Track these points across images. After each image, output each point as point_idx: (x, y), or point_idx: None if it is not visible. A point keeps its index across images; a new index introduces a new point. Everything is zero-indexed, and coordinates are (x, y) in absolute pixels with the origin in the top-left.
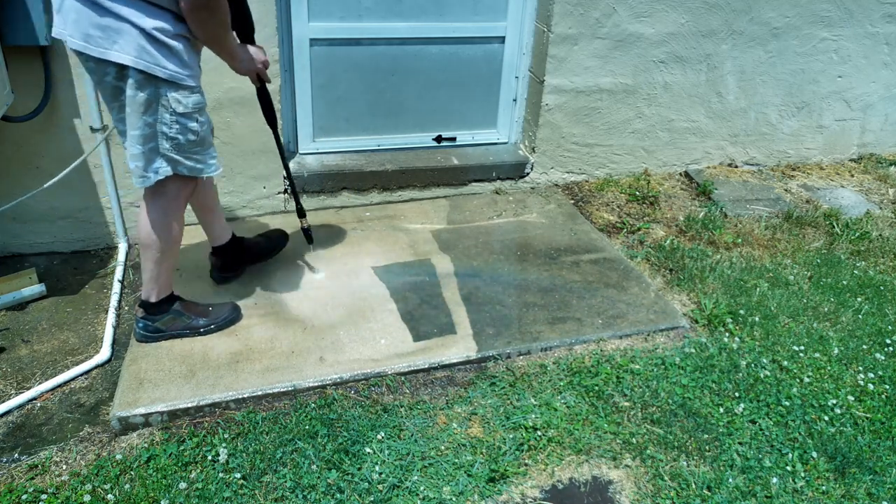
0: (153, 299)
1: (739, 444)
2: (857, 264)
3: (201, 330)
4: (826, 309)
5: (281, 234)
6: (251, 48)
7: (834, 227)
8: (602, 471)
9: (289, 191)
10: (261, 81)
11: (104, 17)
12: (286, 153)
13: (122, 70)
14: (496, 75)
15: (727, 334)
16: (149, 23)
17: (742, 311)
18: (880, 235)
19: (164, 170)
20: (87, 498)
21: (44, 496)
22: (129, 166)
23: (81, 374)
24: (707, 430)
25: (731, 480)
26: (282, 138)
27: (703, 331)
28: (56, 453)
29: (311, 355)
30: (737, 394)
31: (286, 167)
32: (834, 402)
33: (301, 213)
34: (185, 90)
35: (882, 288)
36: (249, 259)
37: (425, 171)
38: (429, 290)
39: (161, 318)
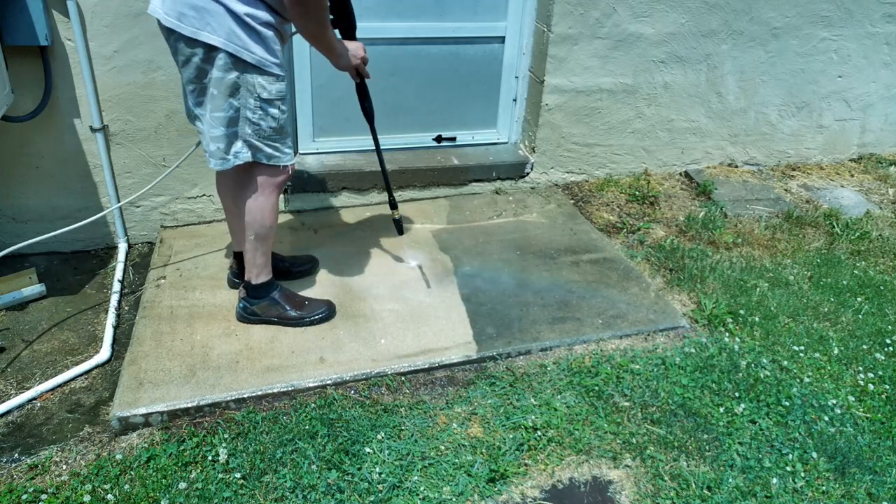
0: (253, 281)
1: (739, 444)
2: (857, 264)
3: (293, 322)
4: (826, 309)
5: (310, 258)
6: (350, 44)
7: (834, 227)
8: (602, 471)
9: (287, 190)
10: (360, 77)
11: None
12: (393, 199)
13: (210, 51)
14: (496, 75)
15: (727, 334)
16: (241, 8)
17: (742, 311)
18: (880, 235)
19: (244, 155)
20: (87, 498)
21: (44, 496)
22: (209, 148)
23: (81, 374)
24: (707, 430)
25: (731, 480)
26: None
27: (703, 331)
28: (56, 453)
29: (311, 355)
30: (737, 394)
31: (381, 161)
32: (834, 402)
33: (393, 205)
34: (270, 77)
35: (882, 288)
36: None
37: (425, 171)
38: (429, 291)
39: (258, 302)
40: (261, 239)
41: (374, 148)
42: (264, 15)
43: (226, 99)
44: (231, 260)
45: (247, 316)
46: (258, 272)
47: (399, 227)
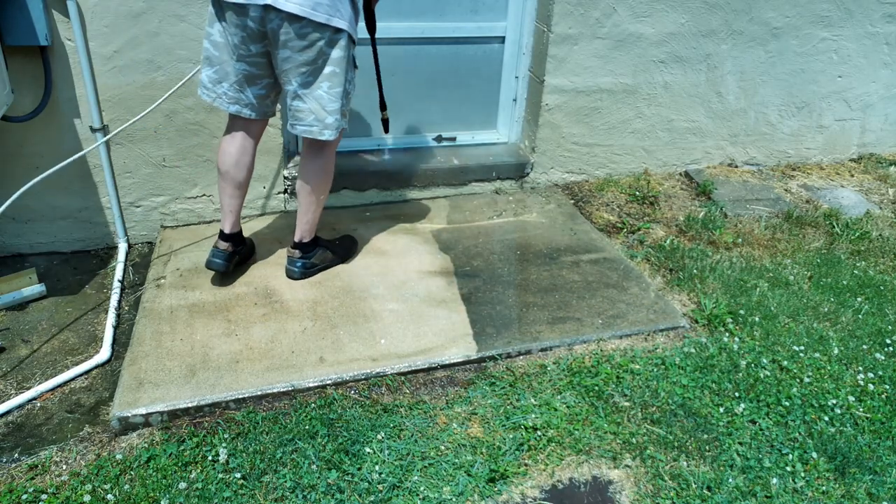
0: (307, 239)
1: (739, 444)
2: (857, 264)
3: (341, 258)
4: (826, 309)
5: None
6: None
7: (834, 227)
8: (602, 471)
9: (287, 190)
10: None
11: None
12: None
13: (335, 34)
14: (496, 75)
15: (727, 334)
16: None
17: (742, 311)
18: (880, 235)
19: (342, 121)
20: (87, 498)
21: (44, 496)
22: (326, 121)
23: (81, 374)
24: (707, 430)
25: (731, 480)
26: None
27: (703, 331)
28: (56, 453)
29: (311, 355)
30: (737, 394)
31: (377, 63)
32: (834, 402)
33: (383, 106)
34: (354, 48)
35: (882, 288)
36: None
37: (425, 171)
38: (429, 291)
39: (315, 253)
40: (325, 196)
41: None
42: None
43: (344, 74)
44: (225, 244)
45: (308, 270)
46: (314, 229)
47: (385, 125)
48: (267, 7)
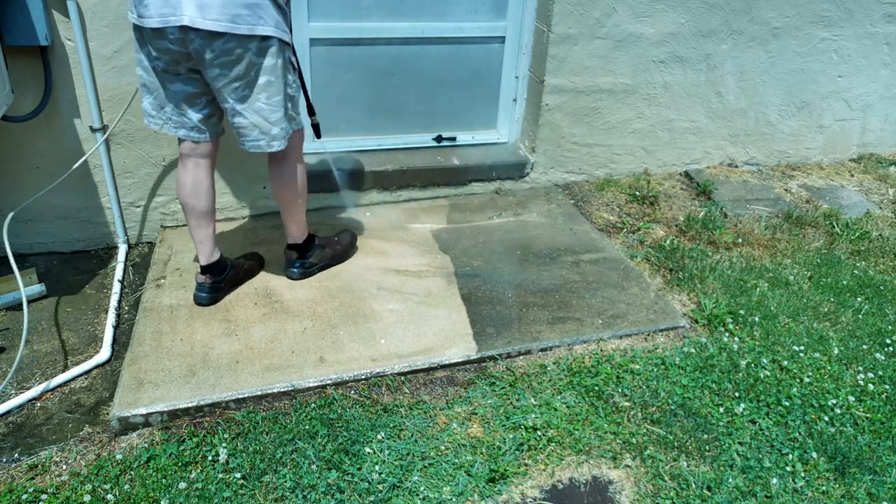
0: (301, 240)
1: (739, 444)
2: (857, 264)
3: (342, 255)
4: (826, 309)
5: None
6: None
7: (834, 227)
8: (602, 471)
9: None
10: None
11: None
12: (311, 105)
13: (263, 42)
14: (496, 75)
15: (727, 334)
16: None
17: (742, 311)
18: (880, 235)
19: (289, 127)
20: (87, 498)
21: (44, 496)
22: (271, 132)
23: (81, 374)
24: (707, 430)
25: (731, 480)
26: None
27: (703, 331)
28: (56, 453)
29: (311, 355)
30: (737, 394)
31: (299, 70)
32: (834, 402)
33: (311, 111)
34: (290, 49)
35: (882, 288)
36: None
37: (425, 171)
38: (429, 291)
39: (313, 252)
40: (304, 199)
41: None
42: None
43: (281, 81)
44: (204, 277)
45: (307, 271)
46: (304, 229)
47: (316, 130)
48: (184, 27)
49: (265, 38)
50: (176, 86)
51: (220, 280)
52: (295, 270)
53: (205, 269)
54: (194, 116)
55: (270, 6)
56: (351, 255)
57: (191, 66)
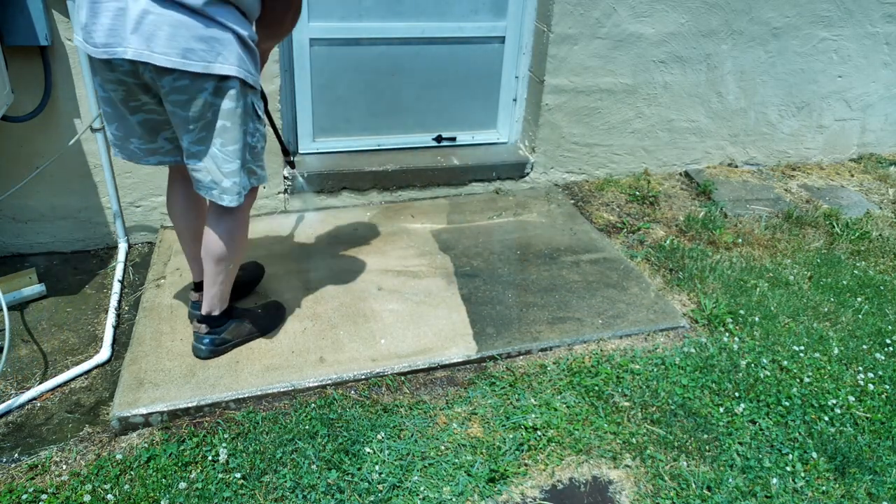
0: (217, 312)
1: (739, 444)
2: (857, 264)
3: (262, 331)
4: (826, 309)
5: (256, 265)
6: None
7: (834, 227)
8: (602, 471)
9: (287, 190)
10: None
11: (210, 28)
12: (286, 146)
13: (221, 82)
14: (496, 75)
15: (727, 334)
16: (245, 31)
17: (742, 311)
18: (880, 235)
19: (246, 183)
20: (87, 498)
21: (44, 496)
22: (222, 184)
23: (81, 374)
24: (707, 430)
25: (731, 480)
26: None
27: (703, 331)
28: (56, 453)
29: (311, 355)
30: (737, 394)
31: (267, 111)
32: (834, 402)
33: (285, 152)
34: (257, 93)
35: (882, 288)
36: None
37: (425, 171)
38: (429, 291)
39: (227, 327)
40: (237, 264)
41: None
42: (254, 33)
43: (239, 128)
44: (197, 294)
45: (216, 348)
46: (225, 300)
47: (292, 165)
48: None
49: (224, 78)
50: (138, 116)
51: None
52: (203, 347)
53: (197, 286)
54: (165, 141)
55: (233, 41)
56: (275, 328)
57: (151, 97)
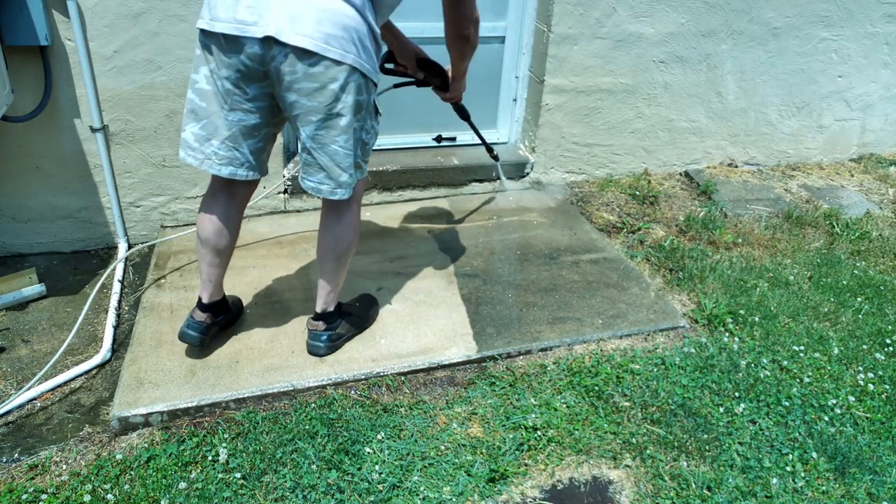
0: (331, 308)
1: (739, 444)
2: (857, 264)
3: (364, 326)
4: (826, 309)
5: (238, 302)
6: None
7: (834, 227)
8: (602, 471)
9: (287, 190)
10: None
11: (353, 17)
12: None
13: (351, 74)
14: (496, 75)
15: (727, 334)
16: (374, 24)
17: (742, 311)
18: (880, 235)
19: (357, 175)
20: (87, 498)
21: (44, 496)
22: (340, 179)
23: (81, 374)
24: (707, 430)
25: (731, 480)
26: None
27: (703, 331)
28: (56, 453)
29: (311, 355)
30: (737, 394)
31: (476, 131)
32: (834, 402)
33: (489, 149)
34: (376, 91)
35: (882, 288)
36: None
37: (425, 171)
38: (429, 291)
39: (341, 322)
40: (347, 261)
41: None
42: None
43: (363, 123)
44: (204, 315)
45: (334, 343)
46: (336, 297)
47: (494, 156)
48: (268, 40)
49: (354, 70)
50: (235, 114)
51: (216, 321)
52: (321, 345)
53: (205, 308)
54: (247, 151)
55: (367, 36)
56: (373, 320)
57: (260, 91)
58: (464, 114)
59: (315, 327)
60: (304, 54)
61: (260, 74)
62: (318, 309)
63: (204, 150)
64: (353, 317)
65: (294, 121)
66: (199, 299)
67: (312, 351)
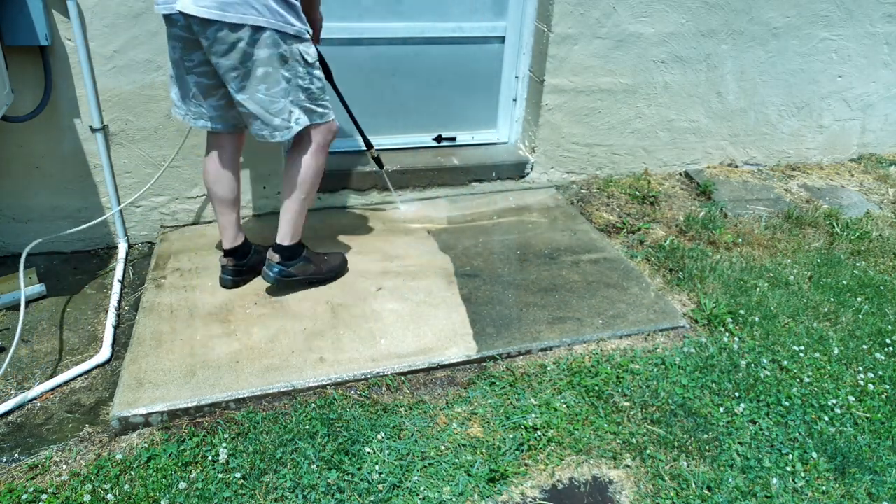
0: (287, 242)
1: (739, 444)
2: (857, 264)
3: (324, 277)
4: (826, 309)
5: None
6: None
7: (834, 227)
8: (602, 471)
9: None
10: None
11: None
12: (367, 138)
13: (256, 33)
14: (496, 75)
15: (727, 334)
16: None
17: (742, 311)
18: (880, 235)
19: (303, 119)
20: (87, 498)
21: (44, 496)
22: (272, 123)
23: (81, 374)
24: (707, 430)
25: (731, 480)
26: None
27: (703, 331)
28: (56, 453)
29: (311, 355)
30: (737, 394)
31: (345, 105)
32: (834, 402)
33: (368, 145)
34: (307, 42)
35: (882, 288)
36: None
37: (425, 171)
38: (429, 291)
39: (295, 263)
40: (308, 200)
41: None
42: None
43: (279, 72)
44: (226, 260)
45: (283, 279)
46: (295, 233)
47: (379, 162)
48: (183, 14)
49: (258, 29)
50: (191, 78)
51: (242, 264)
52: (272, 274)
53: (227, 253)
54: (210, 108)
55: None
56: (337, 278)
57: (203, 58)
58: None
59: (270, 258)
60: (207, 23)
61: (194, 42)
62: (277, 240)
63: (185, 107)
64: (311, 265)
65: (224, 79)
66: (223, 247)
67: (264, 277)
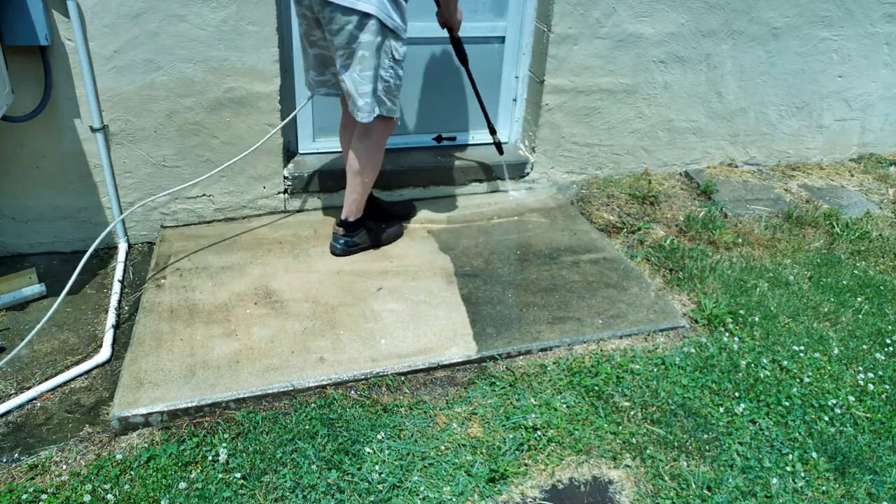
0: (352, 218)
1: (739, 444)
2: (857, 264)
3: (383, 243)
4: (826, 309)
5: (405, 204)
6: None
7: (834, 227)
8: (602, 471)
9: (287, 190)
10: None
11: None
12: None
13: (363, 19)
14: (496, 75)
15: (727, 334)
16: None
17: (742, 311)
18: (880, 235)
19: (378, 109)
20: (87, 498)
21: (44, 496)
22: (358, 103)
23: (81, 374)
24: (707, 430)
25: (731, 480)
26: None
27: (703, 331)
28: (56, 453)
29: (311, 355)
30: (737, 394)
31: (479, 98)
32: (834, 402)
33: (492, 131)
34: (401, 41)
35: (882, 288)
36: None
37: (425, 171)
38: (429, 291)
39: (358, 233)
40: (369, 183)
41: None
42: None
43: (373, 58)
44: (339, 230)
45: (349, 249)
46: (359, 210)
47: (499, 147)
48: None
49: (365, 15)
50: (314, 50)
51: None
52: (339, 246)
53: (340, 223)
54: (332, 76)
55: None
56: (392, 242)
57: (322, 33)
58: (462, 56)
59: (336, 231)
60: (325, 4)
61: (315, 21)
62: (342, 216)
63: (309, 79)
64: (371, 232)
65: (333, 55)
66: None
67: (332, 250)
